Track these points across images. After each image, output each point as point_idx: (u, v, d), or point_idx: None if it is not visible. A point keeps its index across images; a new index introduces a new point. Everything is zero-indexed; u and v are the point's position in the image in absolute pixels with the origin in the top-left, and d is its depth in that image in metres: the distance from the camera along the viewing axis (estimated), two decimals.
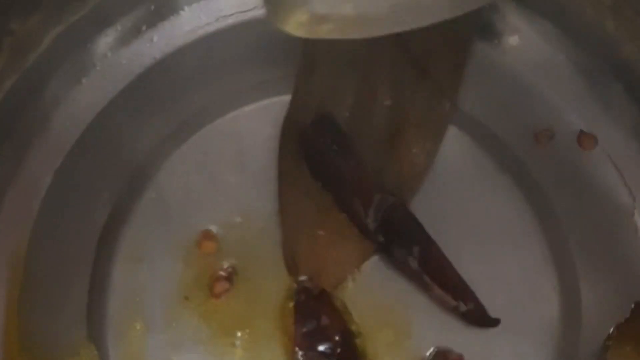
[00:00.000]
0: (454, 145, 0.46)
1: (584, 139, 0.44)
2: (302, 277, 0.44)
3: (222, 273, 0.45)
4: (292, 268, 0.44)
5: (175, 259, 0.45)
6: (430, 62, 0.45)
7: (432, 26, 0.34)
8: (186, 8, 0.45)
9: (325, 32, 0.35)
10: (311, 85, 0.45)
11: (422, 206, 0.44)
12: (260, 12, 0.45)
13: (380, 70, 0.45)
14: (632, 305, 0.42)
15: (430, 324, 0.44)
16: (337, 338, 0.43)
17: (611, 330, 0.42)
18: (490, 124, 0.45)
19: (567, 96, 0.44)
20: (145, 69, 0.45)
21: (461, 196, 0.45)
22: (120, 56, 0.46)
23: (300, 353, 0.43)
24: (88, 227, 0.45)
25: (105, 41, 0.45)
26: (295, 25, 0.35)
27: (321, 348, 0.42)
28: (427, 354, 0.44)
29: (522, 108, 0.45)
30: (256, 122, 0.46)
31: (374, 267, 0.45)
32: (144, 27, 0.45)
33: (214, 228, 0.45)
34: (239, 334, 0.44)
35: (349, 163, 0.44)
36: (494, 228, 0.45)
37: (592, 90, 0.44)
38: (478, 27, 0.44)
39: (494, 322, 0.43)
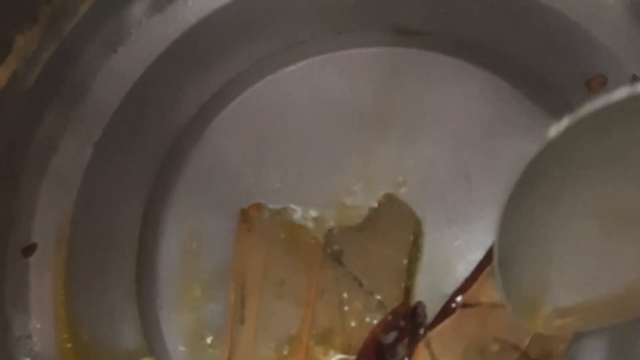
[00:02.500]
0: (505, 97, 0.44)
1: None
2: None
3: None
4: None
5: (225, 228, 0.44)
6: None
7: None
8: None
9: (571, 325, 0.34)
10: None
11: (477, 161, 0.43)
12: None
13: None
14: None
15: None
16: None
17: None
18: (539, 72, 0.44)
19: (619, 40, 0.43)
20: (181, 34, 0.44)
21: (515, 150, 0.44)
22: (155, 22, 0.44)
23: None
24: (132, 200, 0.44)
25: (139, 8, 0.44)
26: (543, 321, 0.34)
27: None
28: None
29: (572, 52, 0.43)
30: (297, 84, 0.45)
31: None
32: None
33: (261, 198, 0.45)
34: None
35: None
36: None
37: None
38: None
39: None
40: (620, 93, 0.28)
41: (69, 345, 0.42)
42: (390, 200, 0.45)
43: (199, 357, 0.44)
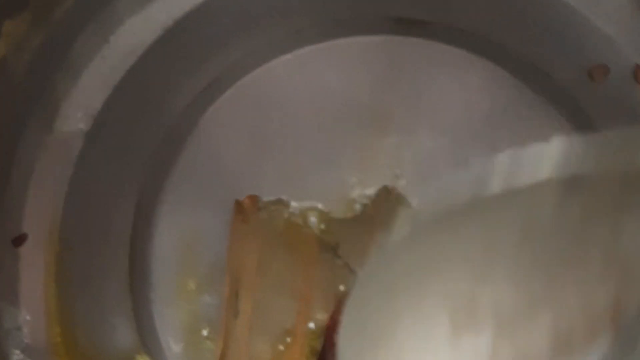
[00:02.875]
0: (506, 87, 0.44)
1: None
2: None
3: None
4: None
5: (220, 220, 0.44)
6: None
7: None
8: None
9: None
10: None
11: (477, 152, 0.43)
12: None
13: None
14: None
15: None
16: None
17: None
18: (540, 62, 0.43)
19: (621, 28, 0.42)
20: (175, 22, 0.43)
21: (515, 140, 0.43)
22: (149, 10, 0.44)
23: None
24: (125, 192, 0.44)
25: None
26: None
27: None
28: None
29: (573, 42, 0.43)
30: (293, 73, 0.45)
31: None
32: None
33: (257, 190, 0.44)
34: None
35: None
36: None
37: None
38: None
39: None
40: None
41: (60, 339, 0.42)
42: (387, 193, 0.44)
43: (194, 351, 0.44)
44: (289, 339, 0.41)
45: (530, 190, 0.29)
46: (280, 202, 0.44)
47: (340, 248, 0.43)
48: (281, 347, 0.41)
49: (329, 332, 0.41)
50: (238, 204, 0.44)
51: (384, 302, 0.31)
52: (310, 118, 0.44)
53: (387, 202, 0.44)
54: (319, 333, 0.41)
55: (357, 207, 0.44)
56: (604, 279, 0.31)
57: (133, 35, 0.44)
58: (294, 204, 0.44)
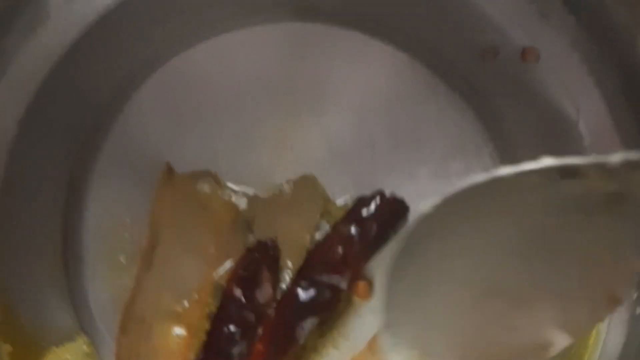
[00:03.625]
0: (405, 69, 0.47)
1: (528, 53, 0.45)
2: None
3: None
4: None
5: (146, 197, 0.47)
6: None
7: None
8: None
9: None
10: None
11: (380, 130, 0.46)
12: None
13: None
14: None
15: None
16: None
17: None
18: (436, 45, 0.46)
19: (508, 12, 0.45)
20: (98, 16, 0.46)
21: (414, 117, 0.46)
22: (74, 5, 0.46)
23: None
24: (56, 173, 0.46)
25: None
26: None
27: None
28: None
29: (466, 26, 0.45)
30: (209, 60, 0.47)
31: None
32: None
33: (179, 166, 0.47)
34: None
35: None
36: (447, 145, 0.46)
37: (531, 4, 0.45)
38: None
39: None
40: (481, 176, 0.31)
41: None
42: (305, 179, 0.47)
43: None
44: (194, 296, 0.45)
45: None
46: (209, 173, 0.47)
47: (255, 223, 0.46)
48: (185, 303, 0.44)
49: (227, 293, 0.44)
50: (169, 166, 0.47)
51: (419, 272, 0.35)
52: (227, 103, 0.47)
53: (303, 186, 0.47)
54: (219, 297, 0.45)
55: (274, 187, 0.47)
56: (603, 264, 0.35)
57: (60, 28, 0.46)
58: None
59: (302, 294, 0.43)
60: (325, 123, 0.47)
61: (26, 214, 0.46)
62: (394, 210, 0.45)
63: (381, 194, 0.44)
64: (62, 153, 0.47)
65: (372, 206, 0.44)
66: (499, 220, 0.34)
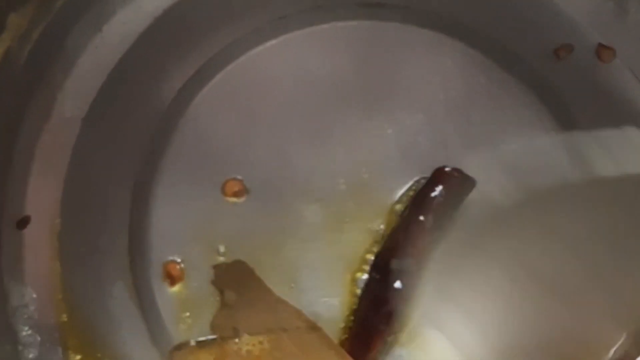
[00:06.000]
0: (477, 67, 0.46)
1: (603, 51, 0.45)
2: None
3: None
4: None
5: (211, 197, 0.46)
6: None
7: None
8: None
9: None
10: None
11: (453, 129, 0.45)
12: None
13: None
14: None
15: None
16: None
17: None
18: (509, 43, 0.46)
19: (584, 10, 0.45)
20: (164, 11, 0.46)
21: (488, 116, 0.46)
22: (138, 1, 0.46)
23: None
24: (122, 173, 0.46)
25: None
26: None
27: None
28: None
29: (540, 24, 0.45)
30: (278, 58, 0.46)
31: None
32: None
33: (241, 174, 0.46)
34: None
35: None
36: (521, 144, 0.46)
37: (607, 2, 0.45)
38: None
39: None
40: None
41: (66, 317, 0.44)
42: None
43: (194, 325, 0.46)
44: None
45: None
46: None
47: None
48: None
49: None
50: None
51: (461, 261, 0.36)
52: (296, 102, 0.46)
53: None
54: None
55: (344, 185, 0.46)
56: None
57: (125, 24, 0.46)
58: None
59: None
60: (397, 122, 0.46)
61: (92, 212, 0.45)
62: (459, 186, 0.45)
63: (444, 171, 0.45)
64: (128, 151, 0.46)
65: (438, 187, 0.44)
66: (571, 215, 0.34)
